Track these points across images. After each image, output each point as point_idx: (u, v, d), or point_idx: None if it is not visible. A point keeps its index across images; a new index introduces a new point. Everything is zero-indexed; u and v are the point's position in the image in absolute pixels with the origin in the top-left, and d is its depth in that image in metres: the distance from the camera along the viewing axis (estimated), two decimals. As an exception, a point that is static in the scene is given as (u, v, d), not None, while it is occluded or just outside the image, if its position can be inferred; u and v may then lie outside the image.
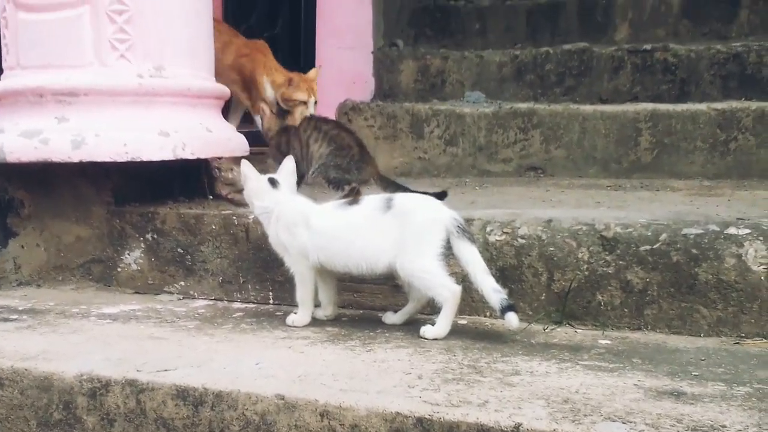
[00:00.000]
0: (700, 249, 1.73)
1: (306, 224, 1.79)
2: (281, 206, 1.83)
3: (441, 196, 2.15)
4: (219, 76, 2.52)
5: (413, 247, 1.69)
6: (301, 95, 2.49)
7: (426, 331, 1.72)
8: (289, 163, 1.89)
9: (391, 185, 2.16)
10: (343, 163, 2.15)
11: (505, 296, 1.66)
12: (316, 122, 2.31)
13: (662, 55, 3.43)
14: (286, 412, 1.35)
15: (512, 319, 1.63)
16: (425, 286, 1.71)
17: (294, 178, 1.89)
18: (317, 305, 1.88)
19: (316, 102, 2.73)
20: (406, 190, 2.16)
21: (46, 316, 1.94)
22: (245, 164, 1.86)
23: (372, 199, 1.78)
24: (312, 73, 2.50)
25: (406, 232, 1.70)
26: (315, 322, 1.85)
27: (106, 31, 2.16)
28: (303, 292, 1.83)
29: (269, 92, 2.53)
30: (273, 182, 1.85)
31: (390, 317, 1.85)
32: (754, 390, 1.35)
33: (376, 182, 2.16)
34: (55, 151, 2.10)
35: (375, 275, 1.76)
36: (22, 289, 2.27)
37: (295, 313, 1.85)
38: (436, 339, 1.70)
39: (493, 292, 1.65)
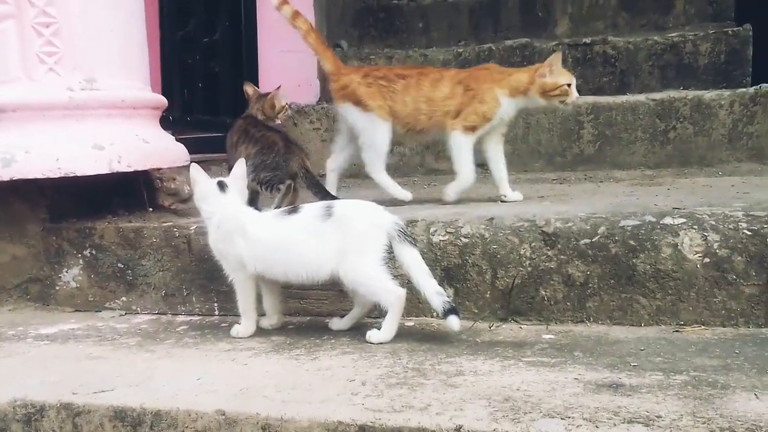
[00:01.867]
0: (637, 240, 1.76)
1: (243, 233, 1.77)
2: (222, 213, 1.80)
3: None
4: (431, 115, 2.30)
5: (355, 253, 1.68)
6: (564, 78, 2.20)
7: (372, 335, 1.71)
8: (238, 168, 1.87)
9: (314, 185, 2.17)
10: (269, 160, 2.15)
11: (447, 299, 1.66)
12: (246, 126, 2.29)
13: (602, 47, 3.48)
14: (227, 428, 1.33)
15: (454, 323, 1.64)
16: (370, 292, 1.70)
17: (244, 182, 1.87)
18: (262, 314, 1.86)
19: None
20: (323, 190, 2.17)
21: (-20, 341, 1.87)
22: (195, 168, 1.83)
23: (311, 207, 1.77)
24: (556, 56, 2.22)
25: (347, 239, 1.69)
26: (261, 331, 1.83)
27: (33, 45, 2.09)
28: (244, 302, 1.81)
29: (505, 104, 2.24)
30: (222, 186, 1.82)
31: (336, 323, 1.84)
32: (690, 378, 1.38)
33: (301, 177, 2.16)
34: (-17, 169, 2.03)
35: (316, 283, 1.75)
36: (-44, 312, 2.19)
37: (239, 323, 1.82)
38: (381, 343, 1.69)
39: (436, 294, 1.65)
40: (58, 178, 2.08)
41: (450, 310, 1.64)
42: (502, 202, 2.31)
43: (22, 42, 2.10)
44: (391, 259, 1.72)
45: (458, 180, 2.31)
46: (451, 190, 2.32)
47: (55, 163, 2.06)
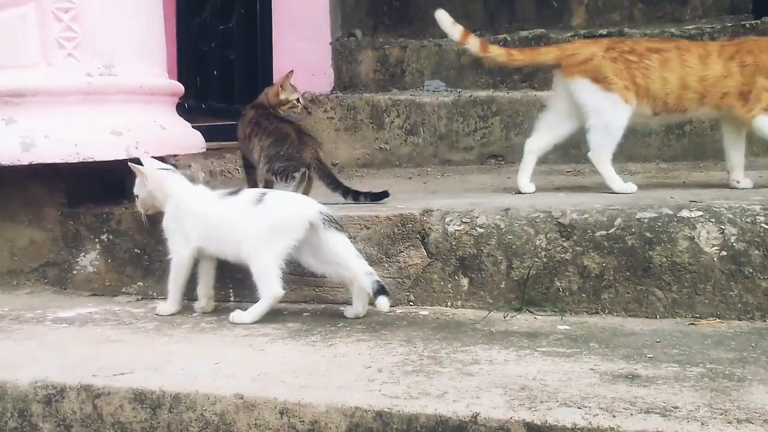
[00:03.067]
0: (654, 232, 1.76)
1: (190, 211, 1.88)
2: (175, 193, 1.91)
3: (381, 195, 2.15)
4: (705, 94, 2.15)
5: (262, 238, 1.77)
6: None
7: (235, 316, 1.81)
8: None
9: (326, 176, 2.19)
10: (282, 151, 2.18)
11: (377, 278, 1.72)
12: (257, 118, 2.30)
13: (618, 39, 3.46)
14: (246, 412, 1.34)
15: (383, 304, 1.69)
16: (256, 275, 1.79)
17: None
18: (195, 299, 1.96)
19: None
20: (335, 181, 2.20)
21: (-1, 323, 1.90)
22: (133, 166, 1.92)
23: (249, 192, 1.88)
24: None
25: (264, 223, 1.78)
26: (276, 318, 1.84)
27: (52, 30, 2.10)
28: (174, 281, 1.91)
29: None
30: (170, 171, 1.96)
31: (350, 310, 1.85)
32: (706, 370, 1.38)
33: (314, 168, 2.18)
34: (3, 153, 2.05)
35: (244, 263, 1.83)
36: (-26, 295, 2.22)
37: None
38: (242, 323, 1.79)
39: (366, 275, 1.71)
40: (77, 163, 2.10)
41: (379, 290, 1.69)
42: (733, 188, 2.20)
43: (42, 27, 2.11)
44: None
45: None
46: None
47: (74, 148, 2.08)
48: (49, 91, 2.11)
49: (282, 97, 2.36)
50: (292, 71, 2.42)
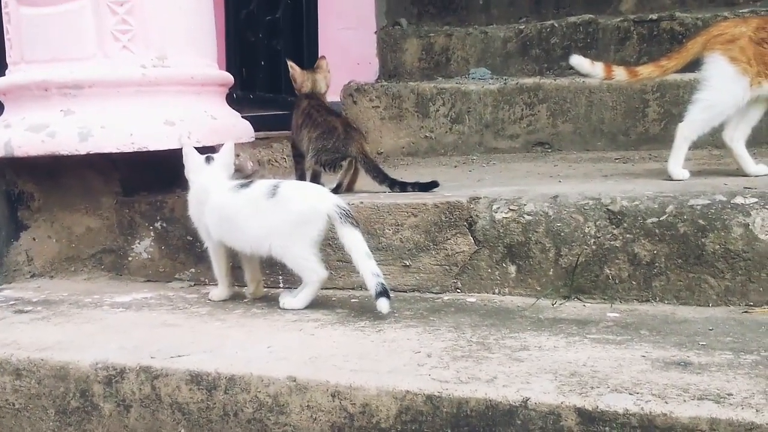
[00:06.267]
0: (707, 219, 1.73)
1: (207, 202, 1.90)
2: (200, 183, 1.94)
3: (430, 186, 2.15)
4: None
5: (288, 232, 1.78)
6: None
7: (285, 302, 1.85)
8: (227, 145, 1.98)
9: (373, 169, 2.21)
10: (329, 144, 2.22)
11: (382, 281, 1.71)
12: (309, 110, 2.33)
13: (669, 24, 3.39)
14: (298, 394, 1.37)
15: (383, 305, 1.70)
16: (296, 267, 1.82)
17: (231, 158, 1.98)
18: (246, 285, 2.00)
19: None
20: (381, 174, 2.20)
21: (59, 307, 1.97)
22: (187, 145, 1.98)
23: (261, 185, 1.86)
24: None
25: (285, 218, 1.78)
26: (325, 304, 1.87)
27: (107, 23, 2.16)
28: (217, 268, 1.97)
29: None
30: (208, 159, 1.96)
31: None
32: (761, 358, 1.36)
33: (359, 161, 2.21)
34: (62, 144, 2.12)
35: (261, 257, 1.89)
36: (35, 280, 2.30)
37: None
38: (293, 309, 1.83)
39: (372, 276, 1.71)
40: (131, 152, 2.15)
41: (381, 293, 1.70)
42: None
43: (97, 20, 2.17)
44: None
45: None
46: None
47: (129, 138, 2.14)
48: (105, 83, 2.18)
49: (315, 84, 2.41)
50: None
